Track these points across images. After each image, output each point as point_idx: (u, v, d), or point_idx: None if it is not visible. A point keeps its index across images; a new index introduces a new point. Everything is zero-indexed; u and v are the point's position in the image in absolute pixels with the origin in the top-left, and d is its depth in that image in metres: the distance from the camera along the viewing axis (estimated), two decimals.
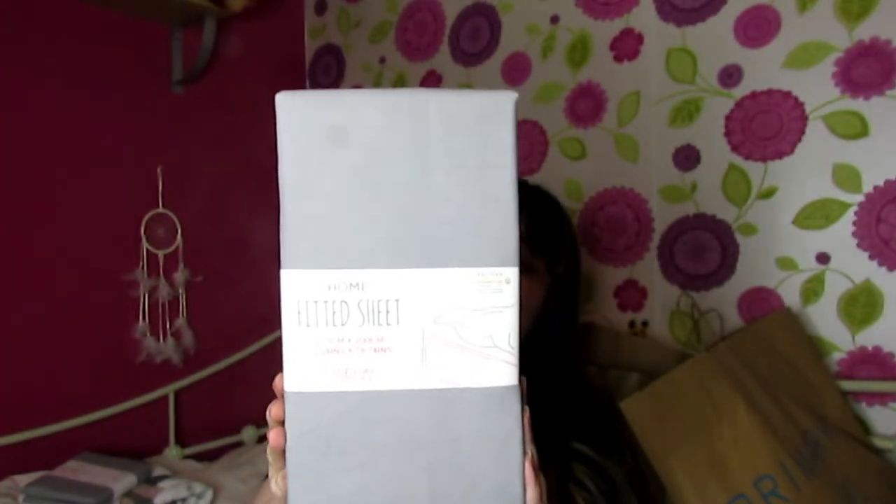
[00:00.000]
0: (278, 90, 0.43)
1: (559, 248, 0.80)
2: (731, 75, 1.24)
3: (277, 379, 0.43)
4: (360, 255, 0.41)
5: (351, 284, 0.41)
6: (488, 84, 1.56)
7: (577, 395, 0.81)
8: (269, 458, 0.46)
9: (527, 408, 0.44)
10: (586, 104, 1.42)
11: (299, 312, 0.41)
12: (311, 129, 0.41)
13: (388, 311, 0.42)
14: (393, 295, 0.41)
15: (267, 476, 0.50)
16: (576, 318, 0.87)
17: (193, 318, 1.65)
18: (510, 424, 0.43)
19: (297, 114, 0.41)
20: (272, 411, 0.43)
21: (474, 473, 0.43)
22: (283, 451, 0.42)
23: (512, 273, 0.43)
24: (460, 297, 0.42)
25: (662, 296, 1.33)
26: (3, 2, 1.39)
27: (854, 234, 1.13)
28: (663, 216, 1.33)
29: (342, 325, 0.41)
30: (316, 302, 0.41)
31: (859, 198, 1.13)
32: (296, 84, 1.93)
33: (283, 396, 0.42)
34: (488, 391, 0.43)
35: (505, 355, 0.43)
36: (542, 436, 0.71)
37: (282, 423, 0.43)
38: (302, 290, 0.41)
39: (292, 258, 0.41)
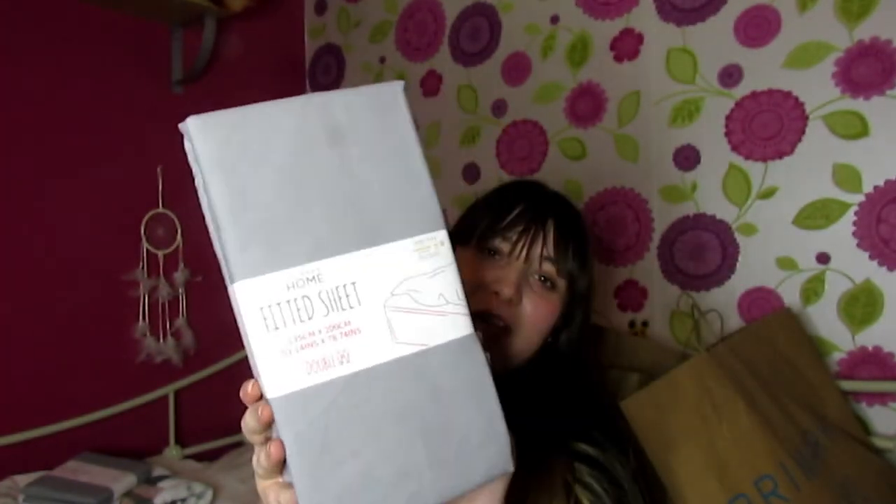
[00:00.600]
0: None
1: (583, 268, 0.80)
2: (731, 75, 1.24)
3: (251, 387, 0.42)
4: (308, 249, 0.43)
5: (308, 278, 0.43)
6: (489, 84, 1.56)
7: (583, 398, 0.81)
8: (260, 472, 0.44)
9: (487, 353, 0.47)
10: (586, 104, 1.42)
11: (265, 318, 0.41)
12: (231, 146, 0.42)
13: (348, 295, 0.43)
14: (349, 278, 0.44)
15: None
16: (588, 326, 0.86)
17: (193, 318, 1.65)
18: (479, 367, 0.47)
19: (215, 135, 0.42)
20: (262, 415, 0.42)
21: (462, 423, 0.45)
22: (281, 462, 0.41)
23: (443, 235, 0.47)
24: (407, 266, 0.45)
25: (662, 296, 1.33)
26: (2, 2, 1.39)
27: (854, 234, 1.13)
28: (663, 216, 1.33)
29: (309, 319, 0.42)
30: (279, 304, 0.42)
31: (859, 198, 1.13)
32: (296, 84, 1.93)
33: (259, 401, 0.42)
34: (453, 344, 0.46)
35: (457, 308, 0.46)
36: (548, 437, 0.71)
37: (266, 430, 0.42)
38: (262, 296, 0.42)
39: (245, 269, 0.42)
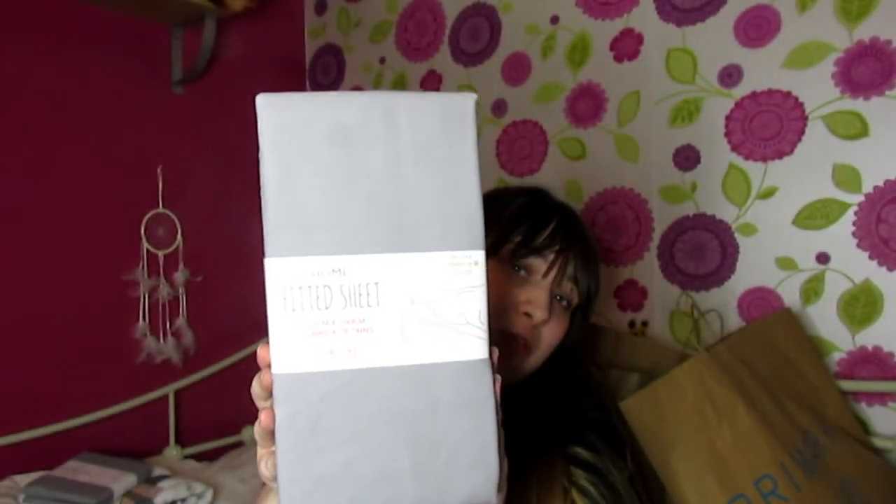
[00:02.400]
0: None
1: (598, 286, 0.81)
2: (731, 75, 1.24)
3: (262, 352, 0.44)
4: (340, 242, 0.44)
5: (333, 270, 0.44)
6: (489, 84, 1.56)
7: (581, 401, 0.81)
8: (258, 439, 0.47)
9: (498, 377, 0.47)
10: (586, 104, 1.42)
11: (285, 298, 0.43)
12: (291, 129, 0.44)
13: (368, 294, 0.44)
14: (373, 278, 0.44)
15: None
16: (585, 330, 0.87)
17: (193, 318, 1.65)
18: (484, 394, 0.46)
19: (278, 115, 0.44)
20: (264, 379, 0.44)
21: (453, 442, 0.45)
22: (273, 432, 0.43)
23: (480, 255, 0.46)
24: (434, 278, 0.45)
25: (662, 296, 1.33)
26: (2, 2, 1.39)
27: (854, 234, 1.13)
28: (663, 216, 1.33)
29: (326, 308, 0.43)
30: (301, 287, 0.43)
31: (859, 198, 1.13)
32: (296, 84, 1.93)
33: (268, 368, 0.44)
34: (463, 364, 0.46)
35: (476, 331, 0.46)
36: (545, 441, 0.71)
37: (270, 397, 0.44)
38: (287, 277, 0.43)
39: (277, 248, 0.43)
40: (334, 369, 0.43)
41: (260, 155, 0.44)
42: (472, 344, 0.46)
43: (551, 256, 0.75)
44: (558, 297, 0.76)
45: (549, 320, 0.74)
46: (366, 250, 0.44)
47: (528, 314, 0.72)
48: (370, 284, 0.44)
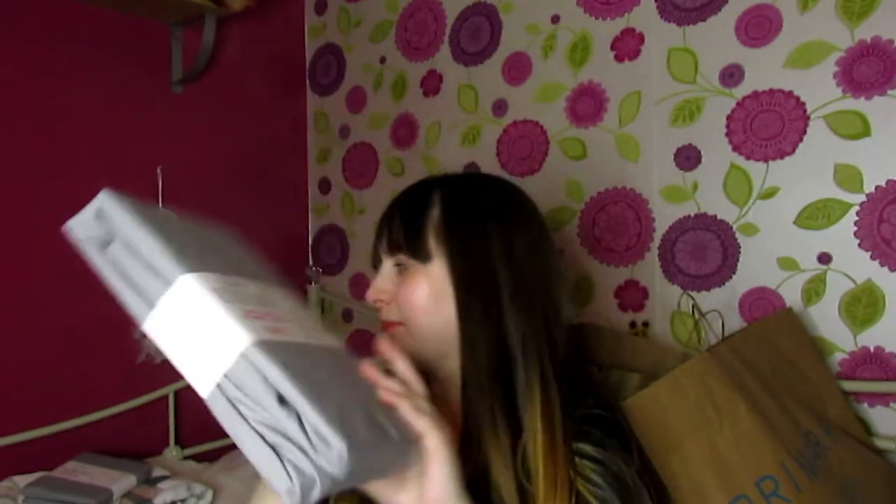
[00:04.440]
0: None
1: (417, 236, 0.73)
2: (732, 75, 1.24)
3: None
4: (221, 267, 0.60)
5: (232, 283, 0.59)
6: (489, 84, 1.56)
7: (583, 401, 0.80)
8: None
9: (365, 360, 0.55)
10: (587, 104, 1.41)
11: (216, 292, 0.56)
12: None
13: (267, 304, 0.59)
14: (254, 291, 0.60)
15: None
16: (557, 313, 0.76)
17: None
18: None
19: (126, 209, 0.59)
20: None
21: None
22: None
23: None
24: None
25: (663, 296, 1.32)
26: (2, 1, 1.39)
27: (856, 235, 1.13)
28: (664, 216, 1.32)
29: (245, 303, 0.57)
30: (224, 288, 0.56)
31: (861, 198, 1.12)
32: (296, 84, 1.93)
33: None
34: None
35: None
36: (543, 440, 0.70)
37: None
38: (207, 283, 0.56)
39: (188, 268, 0.58)
40: (285, 340, 0.52)
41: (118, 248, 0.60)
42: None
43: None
44: (399, 265, 0.75)
45: (393, 291, 0.74)
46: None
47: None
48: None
